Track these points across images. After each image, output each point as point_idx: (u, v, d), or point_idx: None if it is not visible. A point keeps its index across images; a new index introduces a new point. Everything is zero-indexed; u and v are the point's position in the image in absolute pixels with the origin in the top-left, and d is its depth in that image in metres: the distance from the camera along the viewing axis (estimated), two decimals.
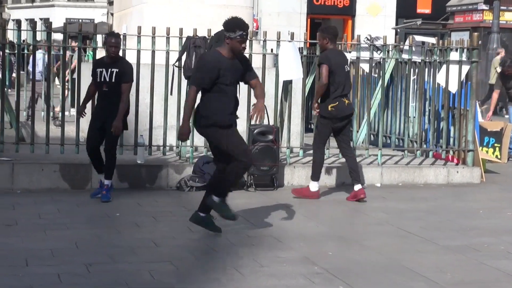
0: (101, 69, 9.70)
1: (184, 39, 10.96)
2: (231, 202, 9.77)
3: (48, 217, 8.76)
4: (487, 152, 13.90)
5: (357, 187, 10.17)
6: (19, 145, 10.96)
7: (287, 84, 11.43)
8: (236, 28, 7.85)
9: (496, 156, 13.96)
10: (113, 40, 9.69)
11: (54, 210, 9.17)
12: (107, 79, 9.65)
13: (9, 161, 10.48)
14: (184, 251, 7.41)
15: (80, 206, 9.46)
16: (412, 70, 12.72)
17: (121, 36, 10.22)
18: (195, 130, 11.02)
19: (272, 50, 12.79)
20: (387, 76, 12.85)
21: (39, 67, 16.51)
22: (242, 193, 10.47)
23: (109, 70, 9.65)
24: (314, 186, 10.22)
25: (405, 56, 12.40)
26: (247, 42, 11.28)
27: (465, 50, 12.21)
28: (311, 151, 11.67)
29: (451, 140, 12.39)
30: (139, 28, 11.10)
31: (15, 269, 6.62)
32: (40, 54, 16.33)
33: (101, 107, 9.83)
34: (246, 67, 8.12)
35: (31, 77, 14.25)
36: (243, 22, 7.97)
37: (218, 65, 7.85)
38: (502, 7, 28.91)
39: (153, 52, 11.04)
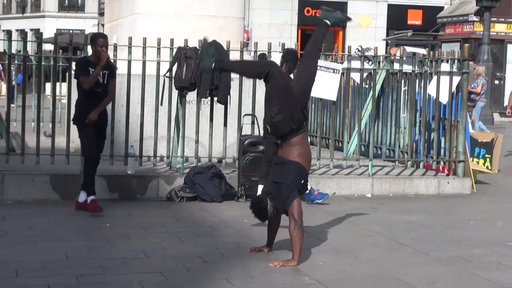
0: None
1: (175, 50, 10.94)
2: (222, 213, 9.75)
3: (38, 228, 8.72)
4: (478, 163, 13.91)
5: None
6: (9, 156, 10.91)
7: None
8: None
9: (487, 167, 13.97)
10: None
11: (44, 221, 9.13)
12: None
13: None
14: (174, 262, 7.38)
15: (71, 217, 9.41)
16: (403, 81, 12.72)
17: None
18: (185, 140, 11.08)
19: None
20: (378, 87, 12.86)
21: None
22: (232, 204, 10.44)
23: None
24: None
25: (396, 66, 12.39)
26: (238, 53, 11.32)
27: (455, 61, 12.23)
28: None
29: (442, 151, 12.39)
30: (130, 38, 11.08)
31: (5, 280, 6.59)
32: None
33: None
34: None
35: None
36: None
37: None
38: (492, 19, 29.05)
39: (144, 62, 11.01)
